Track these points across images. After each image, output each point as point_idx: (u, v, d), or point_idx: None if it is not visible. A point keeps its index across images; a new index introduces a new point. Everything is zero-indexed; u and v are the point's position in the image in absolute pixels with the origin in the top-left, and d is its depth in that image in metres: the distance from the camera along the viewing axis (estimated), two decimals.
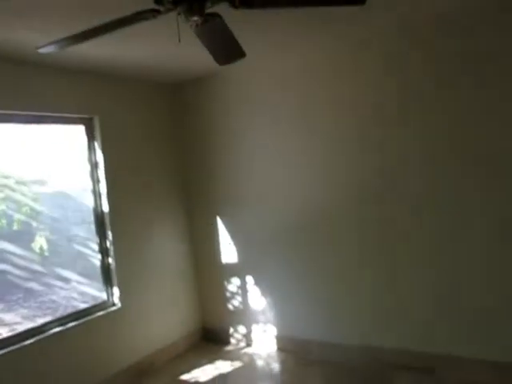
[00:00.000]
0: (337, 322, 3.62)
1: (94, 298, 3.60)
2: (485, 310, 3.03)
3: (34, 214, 3.38)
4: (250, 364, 3.72)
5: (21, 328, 3.08)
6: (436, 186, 3.15)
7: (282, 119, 3.76)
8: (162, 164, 4.17)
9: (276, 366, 3.64)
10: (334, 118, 3.52)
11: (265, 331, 3.98)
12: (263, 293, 3.97)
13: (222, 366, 3.69)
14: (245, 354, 3.92)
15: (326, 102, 3.55)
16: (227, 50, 2.40)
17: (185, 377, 3.59)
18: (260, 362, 3.73)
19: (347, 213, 3.53)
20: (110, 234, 3.62)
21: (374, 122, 3.35)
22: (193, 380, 3.53)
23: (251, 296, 4.04)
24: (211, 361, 3.82)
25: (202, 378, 3.53)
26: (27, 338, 3.02)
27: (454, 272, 3.14)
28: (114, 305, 3.63)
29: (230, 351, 4.02)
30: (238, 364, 3.72)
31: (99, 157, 3.61)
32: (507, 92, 2.89)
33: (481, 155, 3.00)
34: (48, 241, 3.37)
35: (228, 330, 4.20)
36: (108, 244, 3.64)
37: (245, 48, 2.38)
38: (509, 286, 2.95)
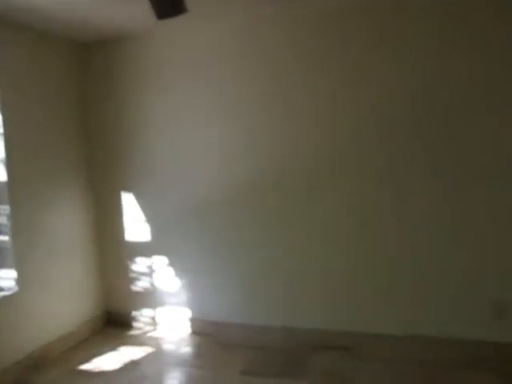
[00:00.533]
0: (256, 304, 3.48)
1: None
2: (398, 287, 3.13)
3: None
4: (160, 349, 3.40)
5: None
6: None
7: (200, 88, 3.48)
8: (66, 132, 3.61)
9: (190, 351, 3.39)
10: (259, 87, 3.35)
11: (177, 314, 3.69)
12: (176, 273, 3.67)
13: (128, 353, 3.31)
14: (153, 338, 3.58)
15: (250, 70, 3.36)
16: (170, 2, 2.08)
17: (85, 366, 3.15)
18: (172, 347, 3.43)
19: (266, 191, 3.38)
20: (7, 208, 3.02)
21: (299, 90, 3.25)
22: (96, 369, 3.11)
23: (161, 277, 3.71)
24: (116, 347, 3.41)
25: (107, 367, 3.13)
26: None
27: (369, 251, 3.19)
28: (9, 289, 3.06)
29: (136, 336, 3.64)
30: (147, 350, 3.36)
31: None
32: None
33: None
34: None
35: (135, 314, 3.82)
36: (5, 219, 3.04)
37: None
38: (421, 264, 3.09)
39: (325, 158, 3.23)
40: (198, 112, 3.51)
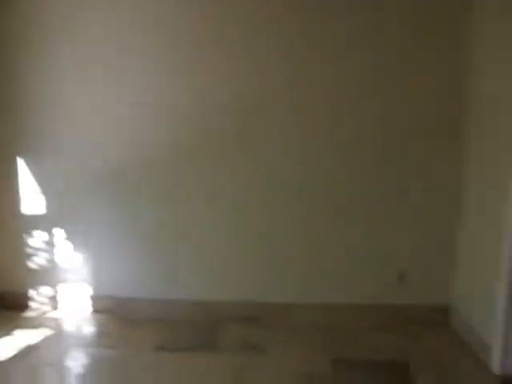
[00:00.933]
0: (163, 278, 3.39)
1: None
2: (305, 256, 3.28)
3: None
4: (61, 331, 3.17)
5: None
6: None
7: (112, 39, 3.17)
8: None
9: (94, 330, 3.22)
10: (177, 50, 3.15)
11: (78, 292, 3.46)
12: (77, 248, 3.42)
13: (24, 337, 3.04)
14: (53, 319, 3.33)
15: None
16: None
17: None
18: (74, 328, 3.22)
19: (178, 158, 3.26)
20: None
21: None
22: None
23: (60, 252, 3.43)
24: (10, 332, 3.11)
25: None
26: None
27: (273, 221, 3.26)
28: None
29: (33, 318, 3.35)
30: (45, 332, 3.12)
31: None
32: None
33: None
34: None
35: (31, 294, 3.50)
36: None
37: None
38: (326, 235, 3.25)
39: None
40: (109, 66, 3.19)
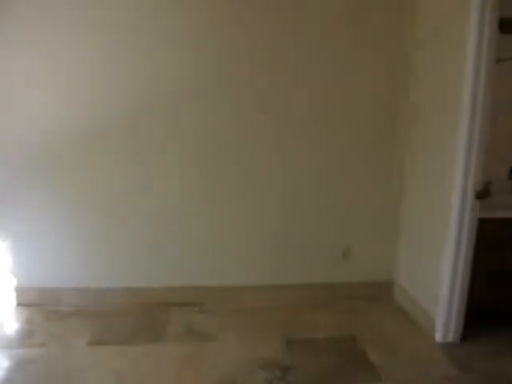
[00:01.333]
0: (92, 266, 3.11)
1: None
2: (245, 238, 3.16)
3: None
4: None
5: None
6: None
7: None
8: None
9: (19, 327, 2.87)
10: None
11: None
12: None
13: None
14: None
15: None
16: None
17: None
18: None
19: (109, 133, 2.95)
20: None
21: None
22: None
23: None
24: None
25: None
26: None
27: (206, 201, 3.09)
28: None
29: None
30: None
31: None
32: None
33: None
34: None
35: None
36: None
37: None
38: (262, 216, 3.14)
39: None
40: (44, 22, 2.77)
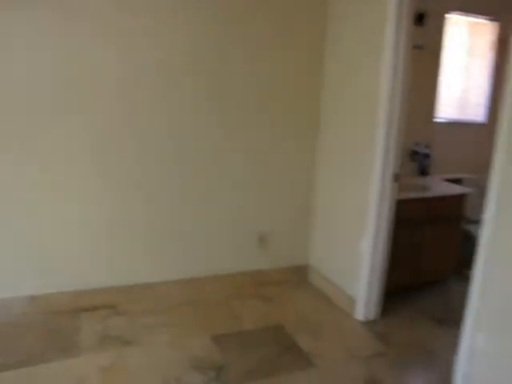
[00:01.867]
0: None
1: None
2: (157, 231, 2.94)
3: None
4: None
5: None
6: None
7: None
8: None
9: None
10: None
11: None
12: None
13: None
14: None
15: None
16: None
17: None
18: None
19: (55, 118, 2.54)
20: None
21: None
22: None
23: None
24: None
25: None
26: None
27: (121, 196, 2.80)
28: None
29: None
30: None
31: None
32: None
33: None
34: None
35: None
36: None
37: None
38: (175, 206, 2.95)
39: None
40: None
